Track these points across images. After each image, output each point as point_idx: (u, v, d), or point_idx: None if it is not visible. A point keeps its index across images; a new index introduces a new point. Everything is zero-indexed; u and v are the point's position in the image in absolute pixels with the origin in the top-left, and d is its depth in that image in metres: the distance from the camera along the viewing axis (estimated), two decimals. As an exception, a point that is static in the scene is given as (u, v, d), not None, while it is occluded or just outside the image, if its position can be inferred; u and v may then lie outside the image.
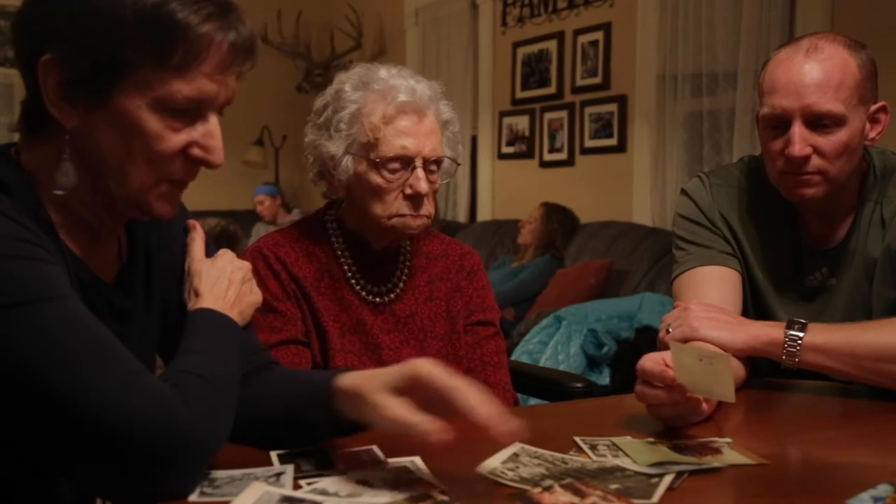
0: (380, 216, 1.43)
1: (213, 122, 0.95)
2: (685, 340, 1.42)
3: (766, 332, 1.34)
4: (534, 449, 1.00)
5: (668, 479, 0.90)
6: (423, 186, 1.41)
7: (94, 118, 0.91)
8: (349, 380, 0.97)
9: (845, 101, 1.38)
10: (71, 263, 0.95)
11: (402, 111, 1.41)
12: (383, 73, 1.44)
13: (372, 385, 0.93)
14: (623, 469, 0.94)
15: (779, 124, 1.42)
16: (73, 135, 0.92)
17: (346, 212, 1.54)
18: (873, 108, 1.45)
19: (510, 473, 0.92)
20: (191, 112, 0.92)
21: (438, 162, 1.46)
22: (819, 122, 1.39)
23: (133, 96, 0.89)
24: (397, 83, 1.42)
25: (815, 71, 1.38)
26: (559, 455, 0.99)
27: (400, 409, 0.88)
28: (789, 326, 1.33)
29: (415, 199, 1.42)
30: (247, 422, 1.00)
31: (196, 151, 0.94)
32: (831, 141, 1.40)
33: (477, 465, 0.94)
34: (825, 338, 1.31)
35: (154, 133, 0.91)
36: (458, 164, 1.52)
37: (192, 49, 0.89)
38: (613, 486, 0.88)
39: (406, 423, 0.87)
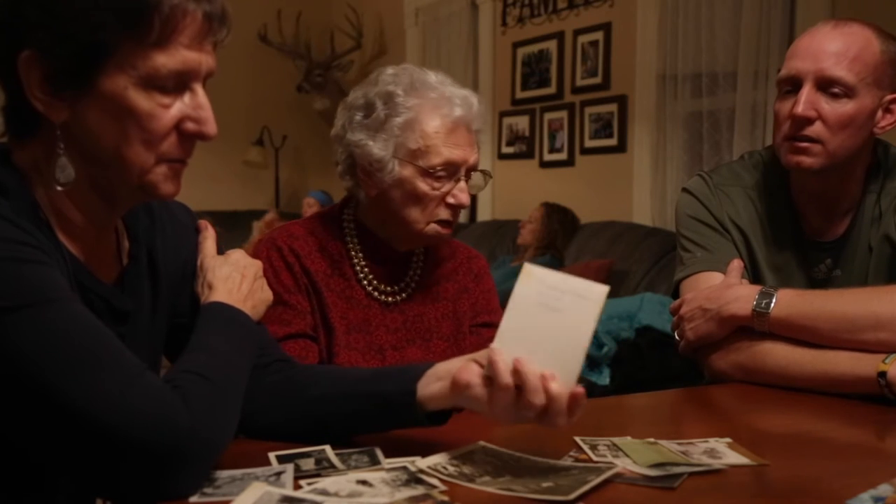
0: (417, 221, 1.46)
1: (201, 93, 0.94)
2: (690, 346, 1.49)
3: (741, 309, 1.42)
4: (494, 448, 1.00)
5: (597, 480, 0.89)
6: (467, 199, 1.46)
7: (83, 108, 0.90)
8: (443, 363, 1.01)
9: (858, 74, 1.42)
10: (70, 264, 0.95)
11: (457, 124, 1.44)
12: (433, 78, 1.46)
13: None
14: (571, 468, 0.94)
15: (792, 87, 1.47)
16: (64, 128, 0.91)
17: (367, 211, 1.54)
18: (889, 97, 1.46)
19: (451, 469, 0.92)
20: (178, 87, 0.92)
21: (475, 169, 1.50)
22: (829, 87, 1.43)
23: (119, 78, 0.89)
24: (452, 93, 1.44)
25: (836, 40, 1.44)
26: (516, 454, 0.98)
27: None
28: (758, 303, 1.40)
29: (455, 209, 1.47)
30: (294, 413, 1.07)
31: (190, 125, 0.94)
32: (837, 110, 1.43)
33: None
34: (787, 312, 1.39)
35: (146, 112, 0.90)
36: (490, 177, 1.55)
37: (168, 21, 0.88)
38: (545, 485, 0.88)
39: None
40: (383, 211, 1.50)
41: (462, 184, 1.46)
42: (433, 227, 1.46)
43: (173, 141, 0.94)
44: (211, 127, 0.94)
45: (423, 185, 1.43)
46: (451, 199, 1.45)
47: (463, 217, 5.56)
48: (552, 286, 0.91)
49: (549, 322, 0.90)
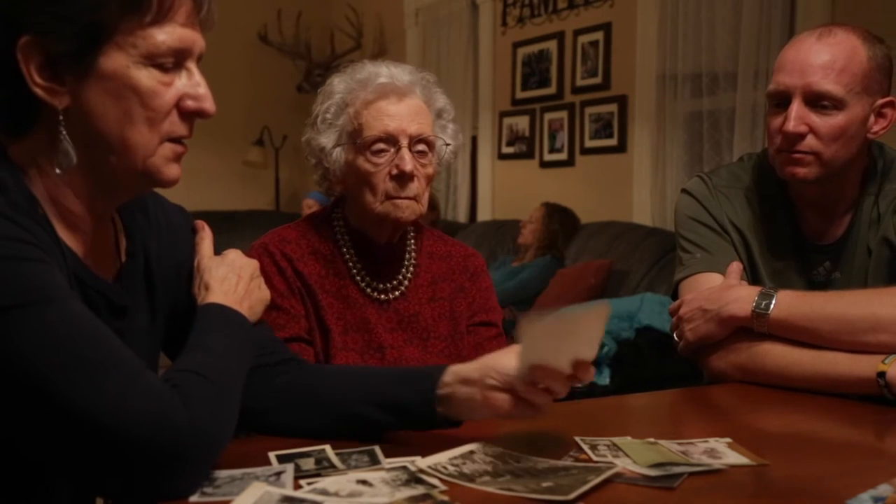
0: (371, 202, 1.46)
1: (197, 72, 0.96)
2: (688, 346, 1.47)
3: (741, 310, 1.42)
4: (494, 448, 1.00)
5: (597, 480, 0.89)
6: (408, 165, 1.43)
7: (84, 91, 0.90)
8: (454, 371, 1.04)
9: (847, 86, 1.42)
10: (69, 260, 0.94)
11: (381, 94, 1.45)
12: (369, 66, 1.50)
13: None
14: (571, 468, 0.94)
15: (781, 101, 1.47)
16: (66, 115, 0.91)
17: (349, 208, 1.56)
18: (880, 101, 1.46)
19: (451, 469, 0.92)
20: (176, 64, 0.94)
21: (429, 144, 1.48)
22: (818, 101, 1.43)
23: (119, 57, 0.90)
24: (378, 70, 1.47)
25: (822, 52, 1.43)
26: (516, 454, 0.98)
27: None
28: (757, 304, 1.40)
29: (400, 179, 1.45)
30: (309, 415, 1.08)
31: (189, 103, 0.95)
32: (828, 123, 1.43)
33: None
34: (787, 314, 1.39)
35: (148, 90, 0.91)
36: (448, 145, 1.53)
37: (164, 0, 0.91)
38: (545, 485, 0.88)
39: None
40: (354, 203, 1.52)
41: (404, 151, 1.44)
42: (387, 204, 1.46)
43: (175, 119, 0.95)
44: (210, 104, 0.96)
45: (365, 164, 1.45)
46: (393, 170, 1.44)
47: (463, 217, 5.57)
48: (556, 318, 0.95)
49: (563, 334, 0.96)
